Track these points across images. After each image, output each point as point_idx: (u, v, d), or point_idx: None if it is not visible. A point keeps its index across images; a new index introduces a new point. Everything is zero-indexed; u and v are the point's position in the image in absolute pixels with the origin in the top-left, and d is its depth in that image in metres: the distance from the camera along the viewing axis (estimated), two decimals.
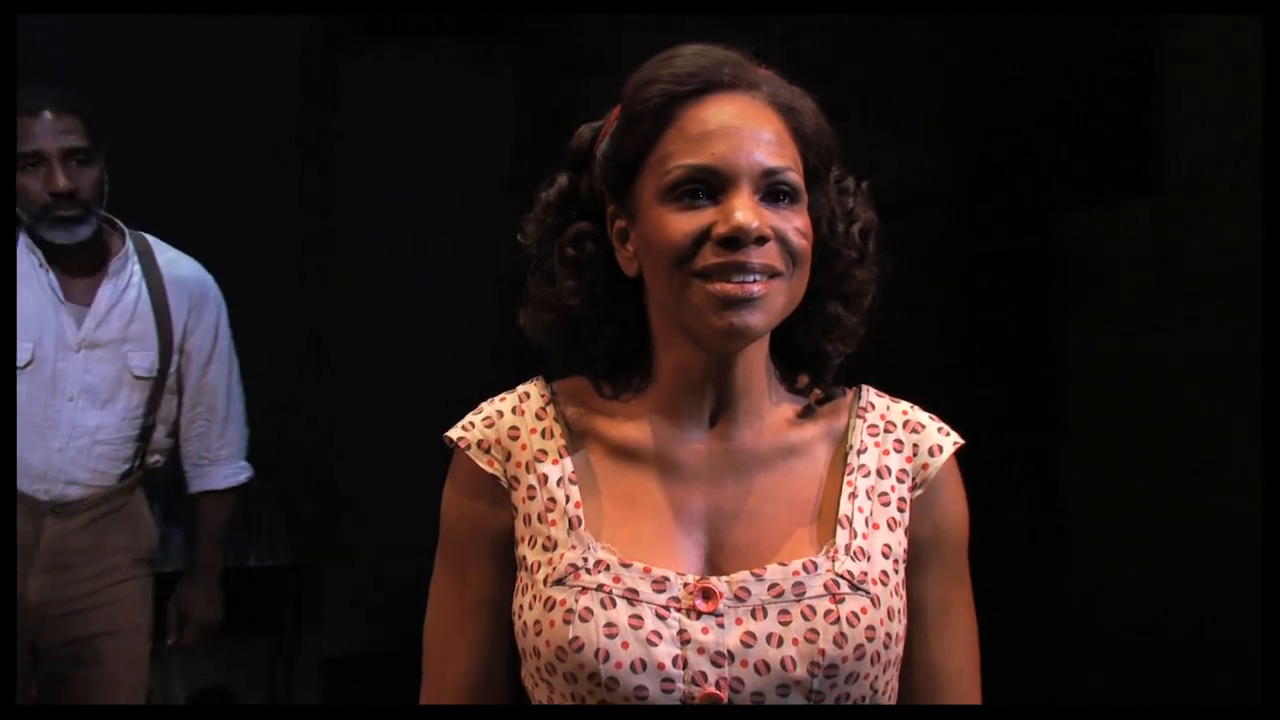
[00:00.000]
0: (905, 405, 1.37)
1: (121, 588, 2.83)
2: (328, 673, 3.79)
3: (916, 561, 1.32)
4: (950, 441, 1.35)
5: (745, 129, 1.25)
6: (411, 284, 3.82)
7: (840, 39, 4.13)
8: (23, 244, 2.80)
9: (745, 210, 1.22)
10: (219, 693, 3.75)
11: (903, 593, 1.30)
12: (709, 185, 1.24)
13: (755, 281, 1.23)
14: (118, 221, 2.89)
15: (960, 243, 4.22)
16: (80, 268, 2.82)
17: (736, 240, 1.22)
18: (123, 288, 2.84)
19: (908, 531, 1.31)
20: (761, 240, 1.23)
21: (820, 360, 1.35)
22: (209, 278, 2.96)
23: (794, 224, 1.25)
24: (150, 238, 2.93)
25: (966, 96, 4.19)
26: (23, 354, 2.76)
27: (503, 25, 3.86)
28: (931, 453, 1.33)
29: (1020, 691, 3.84)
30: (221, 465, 3.01)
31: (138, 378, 2.83)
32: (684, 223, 1.24)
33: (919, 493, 1.32)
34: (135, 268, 2.86)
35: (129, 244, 2.87)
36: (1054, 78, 4.05)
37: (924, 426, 1.35)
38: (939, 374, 4.21)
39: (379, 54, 3.95)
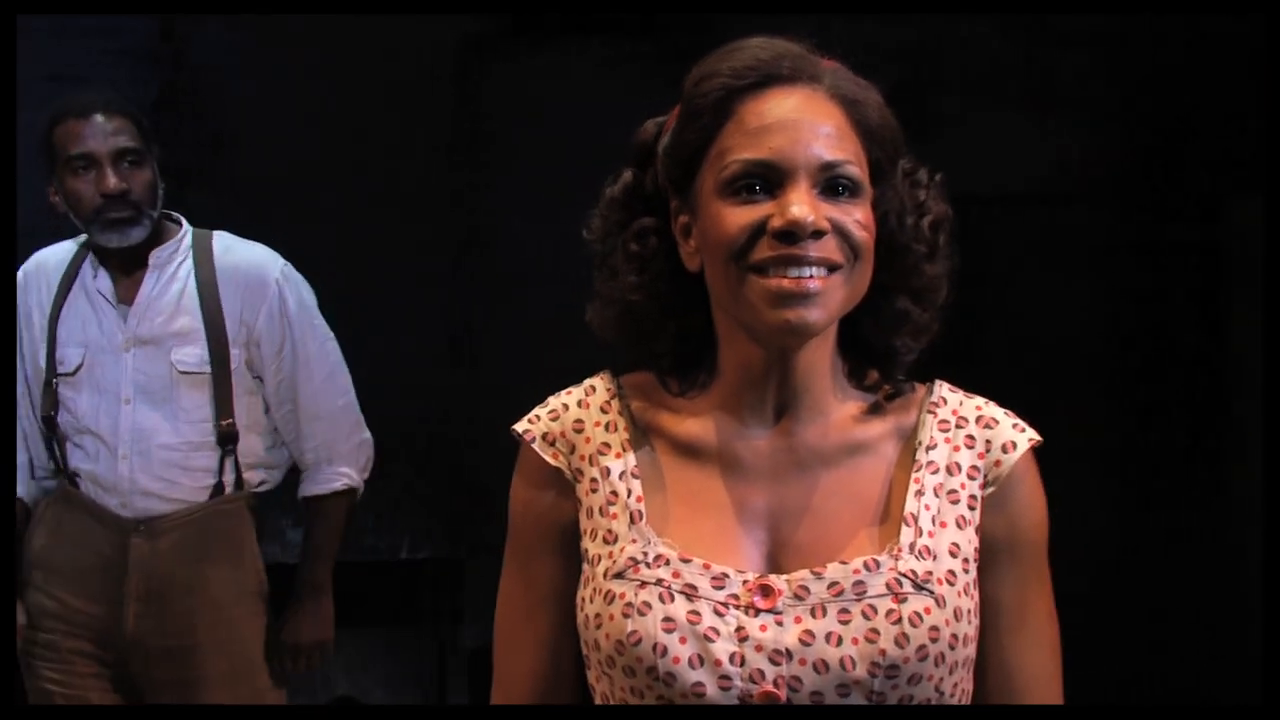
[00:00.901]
0: (980, 400, 1.34)
1: (227, 628, 2.70)
2: (476, 664, 3.86)
3: (990, 561, 1.29)
4: (1025, 438, 1.31)
5: (804, 122, 1.24)
6: (559, 282, 3.85)
7: (997, 25, 4.05)
8: (84, 254, 2.74)
9: (801, 204, 1.21)
10: (376, 684, 3.85)
11: (973, 593, 1.27)
12: (766, 179, 1.23)
13: (812, 276, 1.21)
14: (177, 218, 2.79)
15: (1121, 233, 4.10)
16: (128, 267, 2.72)
17: (792, 234, 1.21)
18: (165, 281, 2.72)
19: (979, 530, 1.28)
20: (819, 234, 1.22)
21: (890, 356, 1.32)
22: (271, 264, 2.76)
23: (854, 216, 1.24)
24: (217, 232, 2.79)
25: (1128, 82, 4.07)
26: (73, 359, 2.71)
27: (653, 23, 3.88)
28: (1005, 449, 1.30)
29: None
30: (314, 471, 2.79)
31: (183, 373, 2.68)
32: (740, 216, 1.23)
33: (991, 490, 1.29)
34: (186, 262, 2.73)
35: (179, 238, 2.75)
36: (1219, 61, 3.90)
37: (998, 422, 1.32)
38: (1100, 371, 4.09)
39: (529, 55, 4.00)
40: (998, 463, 1.30)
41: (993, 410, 1.33)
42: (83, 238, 2.77)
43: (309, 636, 2.78)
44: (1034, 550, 1.31)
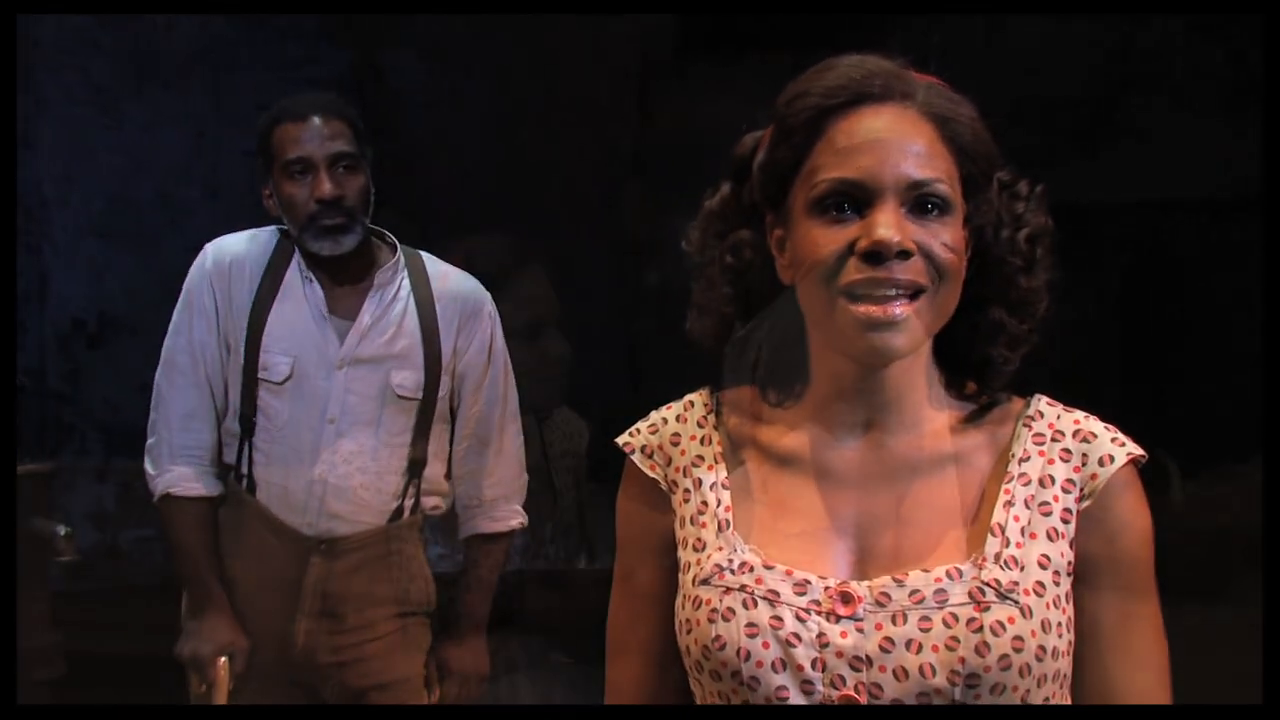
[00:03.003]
0: (1079, 415, 1.33)
1: (385, 641, 2.68)
2: None
3: (1088, 577, 1.28)
4: (1124, 452, 1.29)
5: (892, 141, 1.25)
6: None
7: (1190, 26, 3.93)
8: (294, 259, 2.66)
9: (887, 225, 1.22)
10: (557, 688, 3.92)
11: (1065, 607, 1.26)
12: (855, 199, 1.25)
13: (898, 301, 1.23)
14: (389, 235, 2.72)
15: None
16: (346, 281, 2.65)
17: (878, 255, 1.22)
18: (388, 302, 2.65)
19: (1073, 544, 1.27)
20: (905, 254, 1.23)
21: (986, 366, 1.33)
22: (483, 293, 2.73)
23: (941, 238, 1.24)
24: (423, 254, 2.73)
25: None
26: (281, 368, 2.61)
27: (818, 34, 3.88)
28: (1102, 463, 1.29)
29: None
30: (490, 507, 2.77)
31: (401, 397, 2.64)
32: (829, 237, 1.25)
33: (1087, 504, 1.28)
34: (404, 281, 2.67)
35: (399, 257, 2.68)
36: None
37: (1096, 436, 1.30)
38: None
39: (710, 69, 4.04)
40: (1094, 476, 1.29)
41: (1092, 425, 1.32)
42: (273, 230, 2.70)
43: (473, 669, 2.78)
44: (1136, 567, 1.30)
